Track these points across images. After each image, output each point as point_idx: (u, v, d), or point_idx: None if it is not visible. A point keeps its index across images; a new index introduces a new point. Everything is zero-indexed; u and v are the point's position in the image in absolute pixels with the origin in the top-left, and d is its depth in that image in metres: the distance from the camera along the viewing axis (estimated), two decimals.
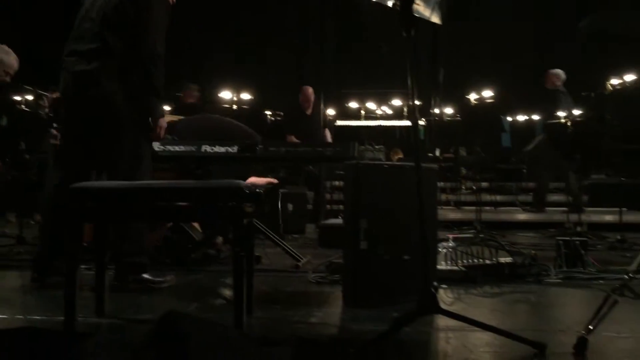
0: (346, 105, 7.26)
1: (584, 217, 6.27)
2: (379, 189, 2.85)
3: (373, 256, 2.80)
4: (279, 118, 7.32)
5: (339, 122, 6.82)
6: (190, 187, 2.35)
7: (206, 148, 3.83)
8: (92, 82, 3.01)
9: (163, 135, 3.23)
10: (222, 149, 3.84)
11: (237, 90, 6.16)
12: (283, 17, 10.57)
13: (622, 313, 2.58)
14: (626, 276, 2.22)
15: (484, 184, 8.18)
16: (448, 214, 7.67)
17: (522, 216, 7.57)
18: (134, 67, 3.04)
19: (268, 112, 7.15)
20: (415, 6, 2.32)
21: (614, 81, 5.62)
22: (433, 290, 2.18)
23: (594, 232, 6.06)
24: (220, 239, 4.11)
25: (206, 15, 10.26)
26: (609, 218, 6.35)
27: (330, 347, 2.11)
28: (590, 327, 2.12)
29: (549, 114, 6.50)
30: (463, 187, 8.41)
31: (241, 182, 2.27)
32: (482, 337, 2.25)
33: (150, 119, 3.10)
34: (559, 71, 7.24)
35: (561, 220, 6.50)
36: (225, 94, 6.16)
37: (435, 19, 2.31)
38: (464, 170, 7.76)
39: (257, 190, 2.33)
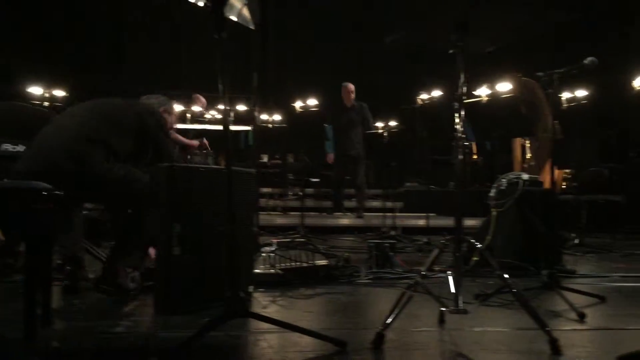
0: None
1: (399, 222, 6.74)
2: (195, 192, 2.80)
3: (187, 261, 2.74)
4: None
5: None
6: None
7: (7, 147, 3.49)
8: None
9: None
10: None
11: (49, 87, 5.70)
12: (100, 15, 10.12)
13: (418, 308, 2.81)
14: (418, 275, 2.41)
15: (310, 190, 8.44)
16: (275, 219, 7.80)
17: (345, 221, 7.93)
18: None
19: None
20: (230, 8, 2.32)
21: (424, 96, 6.10)
22: (242, 294, 2.18)
23: (407, 235, 6.54)
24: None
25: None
26: (421, 222, 6.86)
27: (131, 355, 2.02)
28: (387, 322, 2.27)
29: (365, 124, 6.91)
30: (290, 193, 8.60)
31: (38, 183, 2.09)
32: (290, 338, 2.30)
33: None
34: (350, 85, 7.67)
35: (379, 225, 6.93)
36: (36, 90, 5.68)
37: (248, 23, 2.33)
38: (290, 176, 7.94)
39: (56, 192, 2.16)
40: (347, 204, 9.04)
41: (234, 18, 2.29)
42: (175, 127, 3.57)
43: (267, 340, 2.33)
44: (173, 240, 2.69)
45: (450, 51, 2.41)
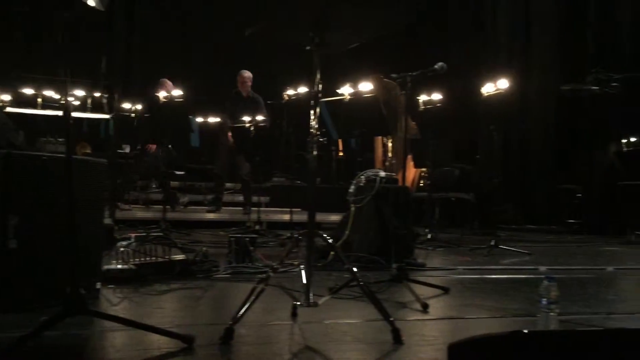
0: (20, 91, 6.53)
1: (264, 217, 6.75)
2: (35, 182, 2.60)
3: (26, 255, 2.54)
4: None
5: (10, 109, 6.06)
6: None
7: None
8: None
9: None
10: None
11: None
12: None
13: (273, 302, 2.82)
14: (271, 269, 2.42)
15: (175, 183, 8.20)
16: (136, 212, 7.49)
17: (210, 215, 7.80)
18: None
19: None
20: None
21: (290, 91, 6.15)
22: (83, 290, 2.05)
23: (271, 230, 6.57)
24: None
25: None
26: (285, 217, 6.92)
27: None
28: (237, 316, 2.25)
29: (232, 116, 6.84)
30: (153, 186, 8.30)
31: None
32: (135, 336, 2.21)
33: None
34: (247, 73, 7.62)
35: (243, 220, 6.90)
36: None
37: (95, 3, 2.19)
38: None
39: None
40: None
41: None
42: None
43: (110, 339, 2.22)
44: (8, 232, 2.47)
45: (307, 48, 2.43)
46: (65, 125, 2.10)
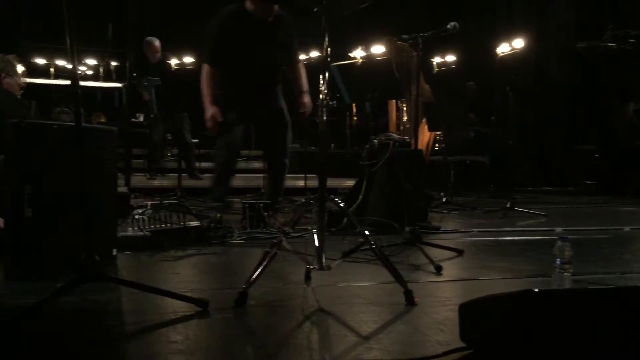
0: (31, 61, 6.53)
1: None
2: (48, 151, 2.61)
3: (41, 223, 2.57)
4: None
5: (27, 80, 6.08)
6: None
7: None
8: None
9: None
10: None
11: None
12: None
13: (286, 267, 2.85)
14: (283, 233, 2.43)
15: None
16: (152, 181, 7.55)
17: None
18: None
19: None
20: None
21: (302, 56, 6.08)
22: (97, 256, 2.08)
23: (287, 196, 6.59)
24: None
25: None
26: (300, 183, 6.93)
27: None
28: (251, 280, 2.27)
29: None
30: (168, 154, 8.34)
31: None
32: (151, 301, 2.24)
33: None
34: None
35: (258, 186, 6.92)
36: None
37: None
38: (169, 136, 7.68)
39: None
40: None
41: None
42: (24, 82, 3.29)
43: (126, 304, 2.26)
44: (24, 201, 2.51)
45: (315, 9, 2.39)
46: (73, 94, 2.09)
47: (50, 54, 6.23)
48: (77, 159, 2.10)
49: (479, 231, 4.41)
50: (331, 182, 4.42)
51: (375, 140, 4.47)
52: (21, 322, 1.93)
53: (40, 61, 5.55)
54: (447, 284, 2.76)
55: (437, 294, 2.53)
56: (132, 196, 5.09)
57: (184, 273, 2.90)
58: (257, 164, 8.71)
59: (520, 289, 1.66)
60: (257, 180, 7.29)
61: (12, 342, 1.79)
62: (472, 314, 1.73)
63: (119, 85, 6.29)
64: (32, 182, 2.53)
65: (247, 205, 4.05)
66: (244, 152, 9.99)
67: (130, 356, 1.72)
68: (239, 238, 3.74)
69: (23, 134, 2.54)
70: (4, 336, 1.82)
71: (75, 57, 2.06)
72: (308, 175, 6.60)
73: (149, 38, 6.98)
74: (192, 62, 5.91)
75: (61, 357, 1.70)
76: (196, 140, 7.97)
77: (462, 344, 1.74)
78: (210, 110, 4.46)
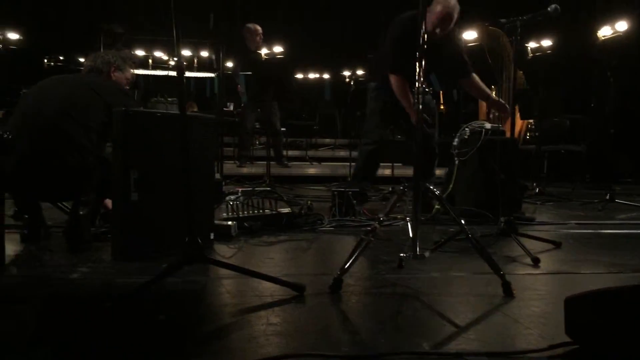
0: (133, 52, 6.86)
1: None
2: (151, 138, 2.74)
3: (145, 207, 2.71)
4: (59, 64, 6.67)
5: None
6: None
7: None
8: None
9: None
10: None
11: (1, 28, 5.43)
12: None
13: (379, 254, 2.85)
14: (377, 221, 2.42)
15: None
16: (241, 168, 7.75)
17: (311, 170, 7.92)
18: None
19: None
20: None
21: None
22: (199, 240, 2.16)
23: (373, 184, 6.57)
24: None
25: None
26: (387, 172, 6.89)
27: (85, 302, 2.00)
28: (345, 267, 2.29)
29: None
30: (256, 142, 8.52)
31: None
32: (248, 284, 2.31)
33: None
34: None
35: (345, 175, 6.95)
36: None
37: None
38: (257, 125, 7.85)
39: (5, 135, 2.09)
40: (313, 153, 9.02)
41: None
42: (133, 75, 3.45)
43: (225, 285, 2.33)
44: (130, 186, 2.64)
45: None
46: (178, 85, 2.18)
47: (149, 45, 6.50)
48: (181, 146, 2.18)
49: (576, 223, 4.22)
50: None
51: (466, 129, 4.37)
52: (131, 299, 2.04)
53: (140, 52, 5.82)
54: (546, 277, 2.66)
55: (535, 287, 2.45)
56: (224, 183, 5.25)
57: (278, 258, 2.96)
58: (343, 153, 8.76)
59: (629, 284, 1.58)
60: (344, 169, 7.33)
61: (124, 319, 1.90)
62: (579, 308, 1.66)
63: (211, 75, 6.47)
64: (137, 167, 2.66)
65: (336, 193, 4.08)
66: (330, 140, 10.06)
67: (232, 336, 1.78)
68: (328, 225, 3.78)
69: (129, 122, 2.68)
70: (117, 313, 1.93)
71: (180, 49, 2.13)
72: (395, 164, 6.54)
73: (250, 24, 7.08)
74: (281, 51, 5.98)
75: (170, 333, 1.78)
76: (284, 129, 8.10)
77: (567, 339, 1.67)
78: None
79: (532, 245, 3.11)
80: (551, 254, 3.10)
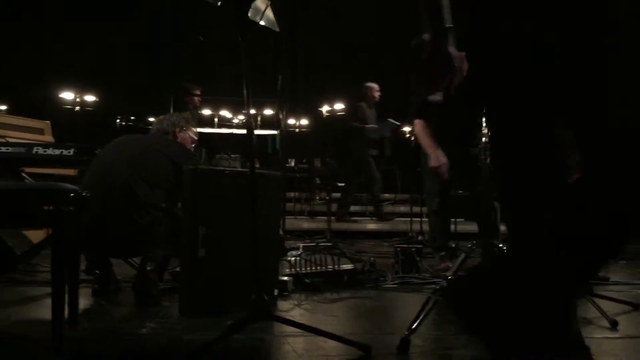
0: (199, 112, 7.17)
1: (426, 227, 6.66)
2: (219, 195, 2.81)
3: (212, 263, 2.75)
4: (130, 123, 7.00)
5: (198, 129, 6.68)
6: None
7: (38, 150, 3.56)
8: None
9: None
10: (56, 152, 3.59)
11: (81, 91, 5.78)
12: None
13: (445, 313, 2.77)
14: (444, 280, 2.37)
15: (336, 195, 8.41)
16: (302, 223, 7.80)
17: (371, 226, 7.88)
18: None
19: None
20: (254, 11, 2.32)
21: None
22: (265, 297, 2.16)
23: (459, 240, 6.45)
24: None
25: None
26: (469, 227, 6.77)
27: (154, 358, 2.02)
28: (413, 327, 2.24)
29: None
30: (317, 197, 8.59)
31: (63, 184, 2.12)
32: (314, 342, 2.28)
33: None
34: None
35: (405, 230, 6.88)
36: (67, 95, 5.76)
37: (273, 25, 2.34)
38: (317, 180, 7.93)
39: (84, 193, 2.19)
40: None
41: (261, 22, 2.29)
42: (196, 135, 3.60)
43: (291, 343, 2.31)
44: (198, 242, 2.69)
45: None
46: (248, 142, 2.24)
47: (214, 105, 6.75)
48: (247, 203, 2.22)
49: None
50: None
51: None
52: (199, 357, 2.05)
53: (206, 112, 6.06)
54: (625, 341, 2.52)
55: (615, 352, 2.32)
56: (286, 237, 5.28)
57: (341, 315, 2.92)
58: (404, 208, 8.69)
59: None
60: (404, 224, 7.26)
61: None
62: None
63: (274, 132, 6.64)
64: (205, 224, 2.72)
65: (398, 249, 4.03)
66: (390, 195, 10.02)
67: None
68: (391, 282, 3.72)
69: (198, 180, 2.76)
70: None
71: (249, 108, 2.21)
72: (457, 220, 6.42)
73: (369, 84, 7.47)
74: (342, 108, 6.09)
75: None
76: (342, 184, 8.15)
77: None
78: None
79: (608, 306, 2.96)
80: (629, 316, 2.94)
